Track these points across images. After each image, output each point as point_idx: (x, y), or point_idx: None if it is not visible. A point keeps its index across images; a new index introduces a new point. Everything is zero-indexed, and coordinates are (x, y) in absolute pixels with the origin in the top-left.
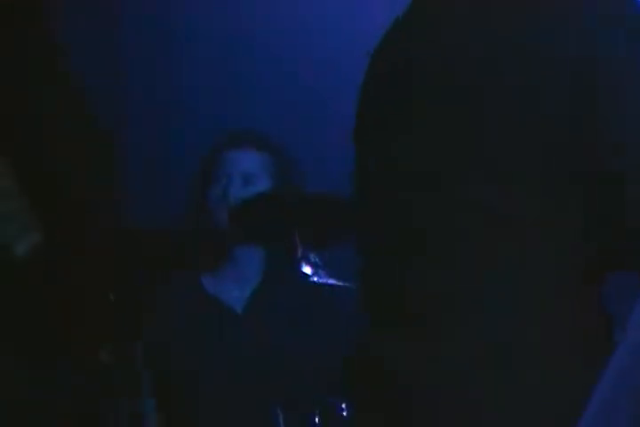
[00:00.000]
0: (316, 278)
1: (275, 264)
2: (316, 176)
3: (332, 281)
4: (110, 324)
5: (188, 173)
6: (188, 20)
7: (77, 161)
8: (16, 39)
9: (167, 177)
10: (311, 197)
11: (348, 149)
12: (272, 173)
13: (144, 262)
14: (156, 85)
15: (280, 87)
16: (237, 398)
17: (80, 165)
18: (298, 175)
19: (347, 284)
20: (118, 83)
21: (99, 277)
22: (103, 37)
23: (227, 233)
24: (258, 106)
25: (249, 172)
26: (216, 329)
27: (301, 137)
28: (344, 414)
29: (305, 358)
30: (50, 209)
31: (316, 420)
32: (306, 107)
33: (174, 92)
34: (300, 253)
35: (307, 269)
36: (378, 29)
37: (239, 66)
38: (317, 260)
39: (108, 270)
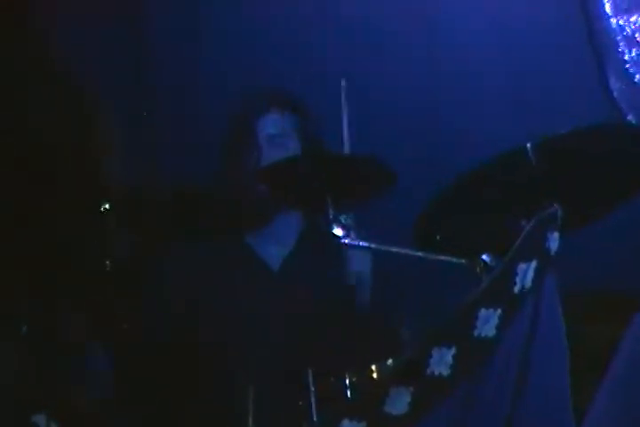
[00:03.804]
0: (347, 240)
1: (312, 227)
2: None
3: (363, 243)
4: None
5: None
6: None
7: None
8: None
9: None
10: (341, 157)
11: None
12: (299, 135)
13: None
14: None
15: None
16: (268, 354)
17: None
18: (322, 134)
19: (378, 245)
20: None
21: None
22: None
23: (263, 196)
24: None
25: (276, 136)
26: (252, 285)
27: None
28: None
29: (335, 318)
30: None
31: (347, 380)
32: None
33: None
34: (330, 215)
35: (338, 231)
36: None
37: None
38: (348, 221)
39: (105, 237)
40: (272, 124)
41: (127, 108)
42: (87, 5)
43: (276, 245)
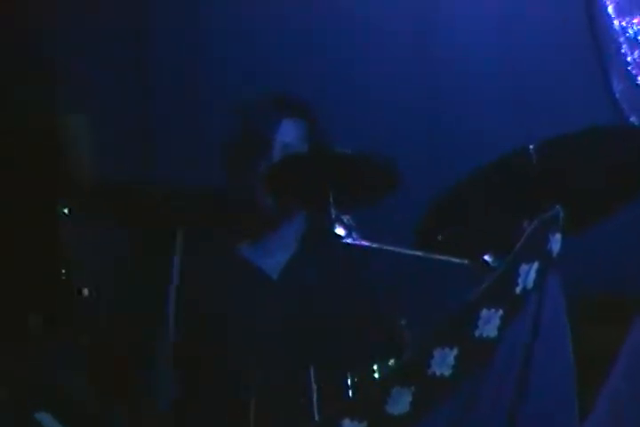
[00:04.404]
0: (349, 240)
1: (312, 231)
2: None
3: (365, 242)
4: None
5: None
6: None
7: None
8: None
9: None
10: (344, 155)
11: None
12: (309, 140)
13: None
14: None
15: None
16: (271, 362)
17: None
18: (329, 138)
19: (380, 245)
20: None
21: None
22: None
23: (267, 202)
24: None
25: (288, 142)
26: (251, 295)
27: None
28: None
29: (339, 322)
30: None
31: (349, 381)
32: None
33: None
34: (333, 215)
35: (340, 231)
36: None
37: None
38: (351, 221)
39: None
40: (286, 132)
41: (127, 108)
42: (87, 5)
43: (274, 252)
